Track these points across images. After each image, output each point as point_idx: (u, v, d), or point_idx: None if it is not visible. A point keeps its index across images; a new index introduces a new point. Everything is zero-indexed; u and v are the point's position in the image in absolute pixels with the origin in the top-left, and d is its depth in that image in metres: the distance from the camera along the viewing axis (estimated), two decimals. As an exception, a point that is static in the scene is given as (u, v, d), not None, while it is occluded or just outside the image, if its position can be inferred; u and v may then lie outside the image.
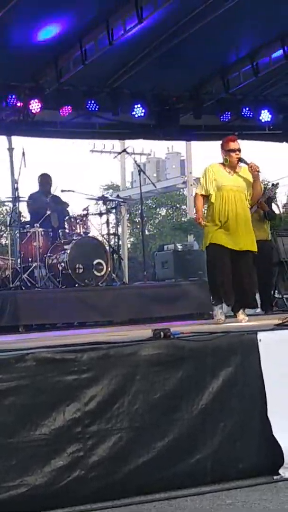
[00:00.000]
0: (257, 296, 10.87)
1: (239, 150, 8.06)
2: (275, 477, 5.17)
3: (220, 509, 4.60)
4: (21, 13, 9.38)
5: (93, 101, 11.87)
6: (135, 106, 12.09)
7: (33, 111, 11.24)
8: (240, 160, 8.03)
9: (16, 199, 10.75)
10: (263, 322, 7.02)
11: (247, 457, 5.30)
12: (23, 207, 11.60)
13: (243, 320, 7.95)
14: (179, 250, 14.25)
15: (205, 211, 8.25)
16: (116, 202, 11.99)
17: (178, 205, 39.98)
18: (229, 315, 8.32)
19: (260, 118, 13.05)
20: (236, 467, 5.26)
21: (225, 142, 8.16)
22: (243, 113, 12.99)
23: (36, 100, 11.19)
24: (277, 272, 11.44)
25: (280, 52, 11.49)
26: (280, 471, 5.20)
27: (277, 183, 12.15)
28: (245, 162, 8.02)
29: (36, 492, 4.63)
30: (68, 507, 4.65)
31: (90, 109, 11.90)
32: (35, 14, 9.65)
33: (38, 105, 11.21)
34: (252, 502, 4.69)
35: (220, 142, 8.21)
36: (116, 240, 11.91)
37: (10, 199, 11.15)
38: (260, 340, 5.52)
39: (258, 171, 8.00)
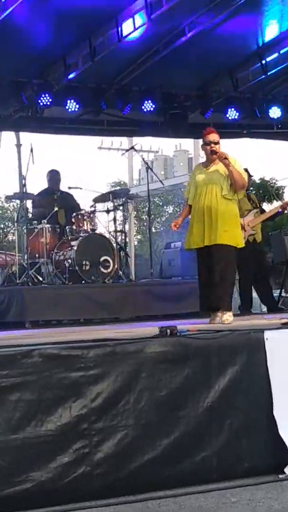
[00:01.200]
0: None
1: (214, 142, 7.81)
2: (280, 476, 5.18)
3: (225, 507, 4.61)
4: (29, 10, 9.37)
5: (101, 103, 11.89)
6: (145, 102, 12.07)
7: (42, 103, 11.23)
8: (212, 152, 7.79)
9: (23, 195, 10.74)
10: (270, 321, 7.01)
11: (252, 456, 5.30)
12: (30, 204, 11.59)
13: (226, 320, 7.49)
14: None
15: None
16: (124, 199, 11.96)
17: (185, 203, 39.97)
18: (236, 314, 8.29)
19: (270, 115, 13.00)
20: (242, 465, 5.26)
21: (204, 134, 7.99)
22: (255, 111, 12.97)
23: (46, 95, 11.19)
24: (285, 271, 11.43)
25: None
26: (286, 469, 5.22)
27: None
28: (214, 152, 7.78)
29: (42, 488, 4.65)
30: (73, 503, 4.67)
31: (96, 111, 11.96)
32: (43, 9, 9.63)
33: (48, 99, 11.20)
34: (257, 501, 4.70)
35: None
36: (123, 237, 11.89)
37: (18, 195, 11.14)
38: (266, 338, 5.52)
39: (225, 158, 7.68)
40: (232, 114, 12.82)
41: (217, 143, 7.83)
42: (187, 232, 7.94)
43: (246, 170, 10.63)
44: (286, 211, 7.78)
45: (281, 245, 11.08)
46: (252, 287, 10.66)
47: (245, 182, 8.08)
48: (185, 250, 8.09)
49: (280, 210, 10.56)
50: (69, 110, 11.67)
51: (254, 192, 10.92)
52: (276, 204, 11.48)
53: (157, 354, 5.17)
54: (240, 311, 10.40)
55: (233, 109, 12.81)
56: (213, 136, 7.85)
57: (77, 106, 11.65)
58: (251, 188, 12.64)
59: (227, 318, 7.53)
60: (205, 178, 7.83)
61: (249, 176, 10.69)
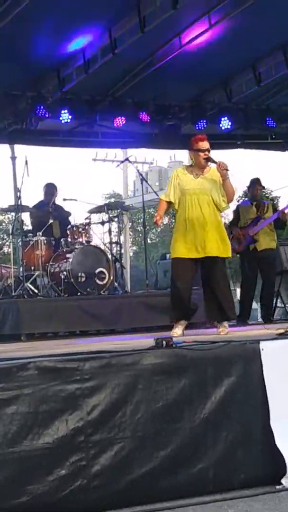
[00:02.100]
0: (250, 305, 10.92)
1: (208, 150, 7.70)
2: (277, 487, 5.16)
3: (222, 518, 4.60)
4: (25, 22, 9.39)
5: (95, 115, 11.95)
6: (139, 114, 12.14)
7: (39, 114, 11.27)
8: (208, 159, 7.70)
9: (18, 208, 10.75)
10: (265, 332, 7.01)
11: (249, 467, 5.29)
12: (25, 216, 11.62)
13: (222, 332, 7.58)
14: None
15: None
16: (119, 211, 11.99)
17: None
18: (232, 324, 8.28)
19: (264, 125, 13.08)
20: (239, 476, 5.25)
21: (193, 141, 7.80)
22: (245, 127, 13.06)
23: (41, 107, 11.24)
24: (280, 281, 11.45)
25: (282, 62, 11.52)
26: (283, 480, 5.19)
27: None
28: (213, 161, 7.71)
29: (39, 501, 4.63)
30: (70, 516, 4.65)
31: (91, 124, 12.02)
32: (38, 24, 9.67)
33: (43, 112, 11.25)
34: (254, 512, 4.69)
35: (190, 143, 7.84)
36: (118, 248, 11.90)
37: (13, 208, 11.15)
38: (262, 349, 5.51)
39: (227, 169, 7.58)
40: (225, 124, 12.88)
41: (209, 150, 7.75)
42: (175, 241, 7.71)
43: (258, 180, 10.72)
44: (225, 171, 7.46)
45: (276, 256, 11.09)
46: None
47: (234, 195, 7.96)
48: (171, 258, 7.81)
49: (281, 218, 10.52)
50: (62, 121, 11.70)
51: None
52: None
53: (153, 366, 5.17)
54: (238, 321, 10.39)
55: (226, 119, 12.88)
56: (206, 144, 7.74)
57: (70, 117, 11.69)
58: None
59: (224, 329, 7.62)
60: (195, 186, 7.65)
61: (261, 187, 10.78)
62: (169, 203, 7.75)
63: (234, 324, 9.84)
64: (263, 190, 11.69)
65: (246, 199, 10.82)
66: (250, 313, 10.64)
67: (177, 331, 7.66)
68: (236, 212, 10.74)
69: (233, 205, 8.71)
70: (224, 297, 7.75)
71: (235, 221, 10.66)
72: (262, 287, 10.65)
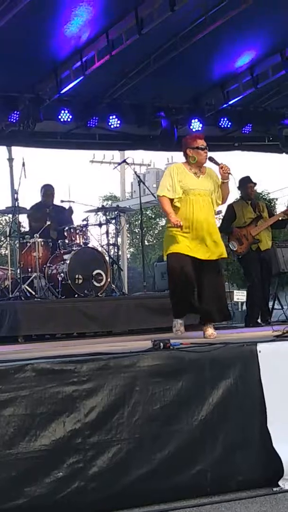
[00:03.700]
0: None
1: (207, 147, 7.56)
2: (274, 489, 5.17)
3: (220, 520, 4.60)
4: (20, 24, 9.39)
5: (93, 117, 11.96)
6: (136, 116, 12.17)
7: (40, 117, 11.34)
8: (210, 159, 7.59)
9: (16, 209, 10.75)
10: (262, 333, 7.01)
11: (246, 469, 5.29)
12: (23, 218, 11.62)
13: (211, 335, 7.35)
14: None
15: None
16: (116, 213, 11.99)
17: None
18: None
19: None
20: (236, 478, 5.25)
21: (191, 139, 7.63)
22: (242, 130, 13.09)
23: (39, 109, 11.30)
24: (277, 284, 11.44)
25: (279, 63, 11.53)
26: (280, 482, 5.20)
27: None
28: (216, 162, 7.59)
29: (36, 503, 4.63)
30: (68, 518, 4.65)
31: (89, 125, 12.02)
32: (35, 25, 9.66)
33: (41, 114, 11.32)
34: (252, 514, 4.69)
35: (186, 141, 7.64)
36: (116, 250, 11.91)
37: (10, 210, 11.15)
38: (259, 351, 5.52)
39: (229, 173, 7.47)
40: (224, 123, 12.91)
41: (206, 149, 7.61)
42: (175, 238, 7.43)
43: (248, 178, 10.67)
44: (227, 174, 7.35)
45: (273, 257, 11.07)
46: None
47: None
48: (170, 253, 7.49)
49: (285, 217, 10.49)
50: (62, 120, 11.71)
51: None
52: (279, 212, 11.40)
53: (151, 368, 5.17)
54: (246, 322, 10.37)
55: (225, 119, 12.91)
56: (203, 142, 7.59)
57: (70, 116, 11.70)
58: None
59: (213, 332, 7.46)
60: (199, 186, 7.50)
61: (253, 184, 10.70)
62: (170, 200, 7.49)
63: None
64: (260, 193, 11.69)
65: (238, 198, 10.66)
66: (259, 315, 10.50)
67: (182, 329, 7.57)
68: (231, 211, 10.45)
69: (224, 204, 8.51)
70: (222, 299, 7.70)
71: (231, 220, 10.50)
72: (265, 287, 10.52)
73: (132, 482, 4.92)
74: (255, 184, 10.71)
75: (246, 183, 10.53)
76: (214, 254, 7.47)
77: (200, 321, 7.68)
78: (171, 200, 7.47)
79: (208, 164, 7.70)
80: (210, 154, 7.65)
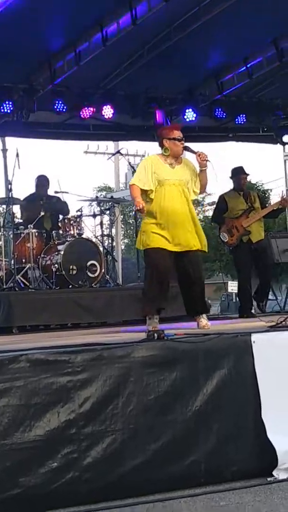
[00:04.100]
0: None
1: (183, 138, 7.41)
2: (268, 479, 5.18)
3: (214, 510, 4.61)
4: (15, 14, 9.36)
5: (87, 108, 11.94)
6: (130, 106, 12.15)
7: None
8: (186, 149, 7.44)
9: (10, 200, 10.72)
10: (256, 324, 7.02)
11: (241, 459, 5.30)
12: (16, 208, 11.58)
13: (206, 326, 7.28)
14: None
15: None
16: (110, 203, 11.97)
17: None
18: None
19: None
20: (230, 468, 5.26)
21: (167, 130, 7.52)
22: (236, 120, 13.10)
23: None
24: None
25: (273, 54, 11.52)
26: (274, 472, 5.21)
27: None
28: (192, 151, 7.48)
29: (30, 493, 4.63)
30: (62, 508, 4.65)
31: (83, 116, 12.01)
32: (29, 14, 9.63)
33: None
34: (246, 504, 4.70)
35: (162, 132, 7.50)
36: (110, 241, 11.89)
37: (4, 200, 11.11)
38: (254, 341, 5.52)
39: (207, 160, 7.33)
40: (219, 113, 12.90)
41: (184, 139, 7.48)
42: (151, 231, 7.26)
43: (241, 168, 10.62)
44: (205, 161, 7.24)
45: (268, 248, 11.03)
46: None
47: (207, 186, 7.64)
48: (147, 249, 7.30)
49: (280, 207, 10.44)
50: (57, 109, 11.70)
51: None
52: (273, 203, 11.34)
53: (145, 358, 5.17)
54: (240, 313, 10.36)
55: (220, 110, 12.90)
56: (180, 133, 7.46)
57: (65, 107, 11.69)
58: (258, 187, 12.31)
59: (207, 323, 7.40)
60: (174, 177, 7.32)
61: (245, 174, 10.66)
62: (143, 191, 7.33)
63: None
64: (254, 183, 11.66)
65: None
66: (252, 303, 10.50)
67: (156, 324, 7.26)
68: (223, 202, 10.38)
69: (215, 196, 8.32)
70: (202, 291, 7.56)
71: (223, 211, 10.46)
72: (261, 280, 10.46)
73: (126, 473, 4.93)
74: (247, 175, 10.66)
75: (238, 174, 10.46)
76: (190, 244, 7.31)
77: (188, 313, 7.61)
78: (146, 192, 7.31)
79: (188, 155, 7.60)
80: (186, 144, 7.49)
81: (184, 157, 7.57)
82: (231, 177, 10.53)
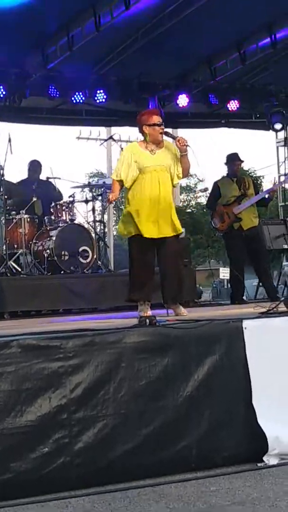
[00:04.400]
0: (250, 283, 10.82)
1: (163, 123, 7.39)
2: (259, 464, 5.20)
3: (205, 496, 4.62)
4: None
5: (80, 93, 11.90)
6: (123, 91, 12.12)
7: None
8: (165, 134, 7.43)
9: (1, 185, 10.68)
10: (248, 310, 7.03)
11: (231, 444, 5.32)
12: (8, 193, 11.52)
13: (183, 313, 7.27)
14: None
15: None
16: (102, 189, 11.95)
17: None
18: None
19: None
20: (221, 454, 5.28)
21: (146, 115, 7.47)
22: (229, 106, 13.10)
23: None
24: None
25: (267, 40, 11.49)
26: (264, 458, 5.23)
27: None
28: (172, 136, 7.49)
29: (22, 478, 4.64)
30: (53, 493, 4.66)
31: (75, 101, 11.97)
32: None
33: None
34: (236, 489, 4.72)
35: (141, 118, 7.46)
36: (102, 227, 11.89)
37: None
38: (245, 328, 5.53)
39: (187, 145, 7.26)
40: (211, 99, 12.91)
41: (163, 124, 7.46)
42: (133, 219, 7.25)
43: (236, 155, 10.61)
44: (184, 146, 7.22)
45: (260, 234, 11.01)
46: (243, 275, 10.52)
47: (189, 171, 7.64)
48: (131, 237, 7.35)
49: (267, 196, 10.45)
50: (50, 94, 11.68)
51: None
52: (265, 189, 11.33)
53: (136, 344, 5.18)
54: (231, 300, 10.37)
55: (212, 96, 12.89)
56: (159, 118, 7.43)
57: (58, 92, 11.67)
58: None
59: (184, 310, 7.39)
60: (155, 163, 7.28)
61: (240, 161, 10.65)
62: (121, 182, 7.38)
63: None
64: (247, 170, 11.62)
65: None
66: (243, 290, 10.52)
67: (147, 310, 7.35)
68: (216, 188, 10.43)
69: (208, 182, 8.30)
70: (180, 277, 7.60)
71: (216, 198, 10.48)
72: (257, 267, 10.43)
73: (117, 458, 4.94)
74: (242, 161, 10.66)
75: (233, 160, 10.46)
76: (169, 230, 7.31)
77: (164, 300, 7.57)
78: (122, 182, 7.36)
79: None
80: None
81: (165, 141, 7.50)
82: (226, 163, 10.54)
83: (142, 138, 7.47)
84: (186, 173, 7.54)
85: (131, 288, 7.54)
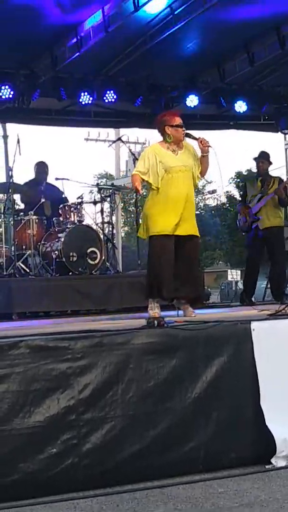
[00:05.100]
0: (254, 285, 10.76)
1: (184, 126, 7.48)
2: (267, 466, 5.20)
3: (212, 497, 4.62)
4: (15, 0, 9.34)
5: (86, 93, 11.90)
6: (131, 93, 12.11)
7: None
8: (187, 135, 7.50)
9: (11, 186, 10.70)
10: (256, 312, 7.02)
11: (239, 446, 5.32)
12: (17, 195, 11.55)
13: (192, 314, 7.37)
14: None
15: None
16: (111, 190, 11.96)
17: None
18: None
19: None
20: (229, 456, 5.28)
21: (169, 117, 7.55)
22: (237, 108, 13.05)
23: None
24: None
25: (275, 42, 11.47)
26: (272, 460, 5.23)
27: None
28: (194, 137, 7.54)
29: (29, 479, 4.65)
30: (61, 494, 4.67)
31: (84, 103, 11.97)
32: (30, 1, 9.60)
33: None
34: (244, 491, 4.71)
35: (164, 118, 7.52)
36: (110, 228, 11.89)
37: (5, 186, 11.09)
38: (253, 329, 5.53)
39: (209, 146, 7.39)
40: (220, 101, 12.89)
41: (183, 126, 7.52)
42: (157, 216, 7.33)
43: (261, 153, 10.55)
44: (207, 147, 7.24)
45: (280, 235, 10.92)
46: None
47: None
48: (153, 234, 7.36)
49: (273, 194, 10.37)
50: (59, 96, 11.71)
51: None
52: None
53: (145, 345, 5.18)
54: (241, 299, 10.35)
55: (221, 98, 12.88)
56: (181, 119, 7.52)
57: (66, 94, 11.71)
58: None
59: (193, 311, 7.43)
60: (179, 163, 7.38)
61: (261, 160, 10.59)
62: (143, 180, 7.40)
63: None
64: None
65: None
66: (253, 293, 10.48)
67: (157, 311, 7.38)
68: (244, 187, 10.73)
69: (216, 184, 8.38)
70: (198, 277, 7.66)
71: (243, 197, 10.61)
72: (270, 268, 10.38)
73: (125, 459, 4.95)
74: (264, 161, 10.53)
75: (257, 159, 10.45)
76: (191, 229, 7.42)
77: (177, 300, 7.58)
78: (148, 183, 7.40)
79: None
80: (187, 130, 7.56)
81: (185, 141, 7.58)
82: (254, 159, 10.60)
83: (150, 139, 7.54)
84: (204, 174, 7.63)
85: (151, 286, 7.50)
